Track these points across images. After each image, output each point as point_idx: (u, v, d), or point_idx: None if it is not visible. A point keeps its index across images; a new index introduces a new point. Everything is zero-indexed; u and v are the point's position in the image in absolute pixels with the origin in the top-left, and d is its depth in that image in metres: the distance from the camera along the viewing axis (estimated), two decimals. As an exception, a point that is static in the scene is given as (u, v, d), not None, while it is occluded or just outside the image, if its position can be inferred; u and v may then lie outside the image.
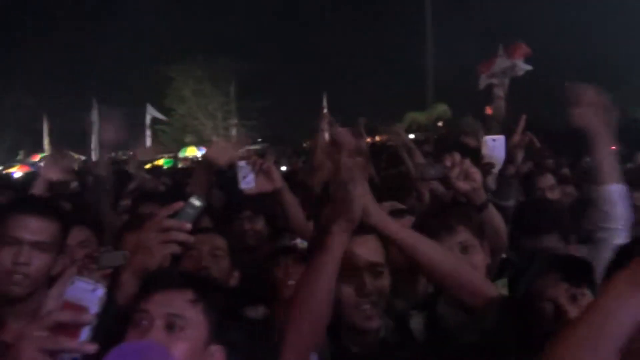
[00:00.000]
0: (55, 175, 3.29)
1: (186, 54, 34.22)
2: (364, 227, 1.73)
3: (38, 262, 1.98)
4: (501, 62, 8.44)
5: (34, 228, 1.99)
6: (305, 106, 31.85)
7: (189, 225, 1.63)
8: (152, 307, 1.44)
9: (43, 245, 2.00)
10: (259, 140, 26.28)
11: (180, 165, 19.59)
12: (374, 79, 36.01)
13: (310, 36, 39.12)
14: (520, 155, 3.19)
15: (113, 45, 38.24)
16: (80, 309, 1.20)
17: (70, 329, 1.18)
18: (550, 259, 1.84)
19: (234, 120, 34.89)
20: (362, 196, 1.65)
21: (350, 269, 1.81)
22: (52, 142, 31.18)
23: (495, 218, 2.27)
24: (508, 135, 3.03)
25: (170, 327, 1.43)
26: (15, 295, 1.98)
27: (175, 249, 1.64)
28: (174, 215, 1.62)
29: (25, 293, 1.98)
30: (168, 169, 15.68)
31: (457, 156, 2.12)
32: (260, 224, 3.24)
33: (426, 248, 1.76)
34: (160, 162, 21.14)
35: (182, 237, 1.63)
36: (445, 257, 1.80)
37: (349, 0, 38.01)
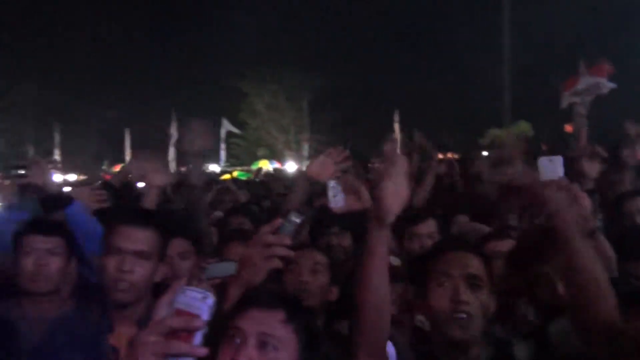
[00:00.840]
0: (162, 181, 3.35)
1: (260, 68, 35.12)
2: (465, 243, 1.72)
3: (140, 270, 2.08)
4: (585, 81, 8.19)
5: (135, 238, 2.09)
6: (377, 121, 31.89)
7: (289, 241, 1.67)
8: (246, 325, 1.46)
9: (144, 254, 2.09)
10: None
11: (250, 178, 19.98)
12: (450, 95, 35.49)
13: (385, 51, 39.16)
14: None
15: (191, 59, 39.81)
16: (192, 316, 1.23)
17: (182, 335, 1.22)
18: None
19: (306, 135, 35.36)
20: (394, 195, 1.67)
21: (445, 276, 1.83)
22: (133, 153, 32.66)
23: (605, 245, 2.17)
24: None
25: (262, 346, 1.45)
26: (121, 301, 2.08)
27: (277, 264, 1.68)
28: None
29: (130, 299, 2.08)
30: (244, 181, 16.02)
31: (565, 181, 2.03)
32: (347, 240, 3.24)
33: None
34: (235, 174, 21.68)
35: (284, 252, 1.67)
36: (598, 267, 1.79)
37: (425, 16, 37.76)
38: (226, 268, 1.90)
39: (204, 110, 34.80)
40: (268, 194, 7.19)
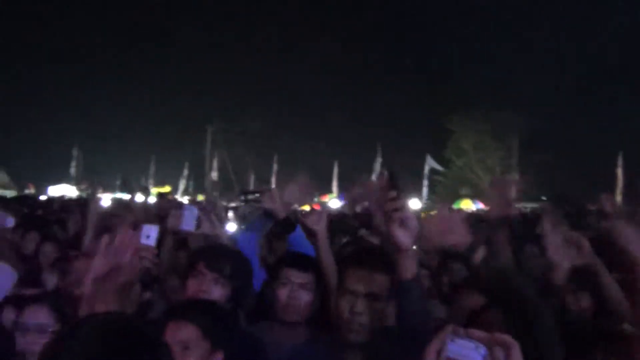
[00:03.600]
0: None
1: (467, 106, 34.62)
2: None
3: (372, 311, 2.15)
4: None
5: (367, 280, 2.17)
6: (595, 164, 29.21)
7: None
8: None
9: (376, 296, 2.16)
10: (543, 198, 24.77)
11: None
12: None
13: (604, 90, 35.98)
14: None
15: (399, 97, 40.81)
16: None
17: None
18: None
19: (514, 176, 33.71)
20: None
21: None
22: (339, 185, 34.32)
23: None
24: None
25: None
26: (353, 342, 2.17)
27: None
28: None
29: (362, 340, 2.16)
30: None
31: None
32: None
33: None
34: (435, 212, 21.46)
35: None
36: None
37: None
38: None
39: (409, 146, 35.47)
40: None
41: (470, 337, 1.19)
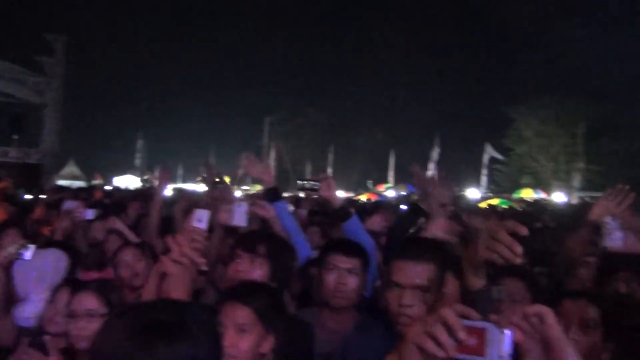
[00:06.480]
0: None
1: (527, 94, 33.51)
2: None
3: (420, 303, 2.12)
4: None
5: (412, 272, 2.14)
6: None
7: None
8: None
9: (423, 287, 2.13)
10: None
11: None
12: None
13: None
14: None
15: (458, 85, 40.00)
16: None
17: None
18: None
19: (580, 164, 32.43)
20: None
21: None
22: (396, 175, 34.08)
23: None
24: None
25: None
26: (403, 334, 2.14)
27: None
28: None
29: None
30: (503, 210, 15.41)
31: None
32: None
33: None
34: (495, 201, 20.98)
35: None
36: None
37: None
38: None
39: (468, 135, 34.74)
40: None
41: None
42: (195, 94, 47.76)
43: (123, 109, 45.74)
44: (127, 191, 14.57)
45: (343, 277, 2.42)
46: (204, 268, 1.84)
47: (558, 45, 36.86)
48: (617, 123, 31.76)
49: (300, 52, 45.13)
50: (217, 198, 3.53)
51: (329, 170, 33.76)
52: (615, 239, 2.50)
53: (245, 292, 2.00)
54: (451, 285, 2.55)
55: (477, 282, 1.87)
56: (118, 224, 4.39)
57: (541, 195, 27.00)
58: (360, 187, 35.35)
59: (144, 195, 8.48)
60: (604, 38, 35.92)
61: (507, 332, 1.05)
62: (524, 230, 1.62)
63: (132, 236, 4.20)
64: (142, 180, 27.76)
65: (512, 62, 38.84)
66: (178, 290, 1.77)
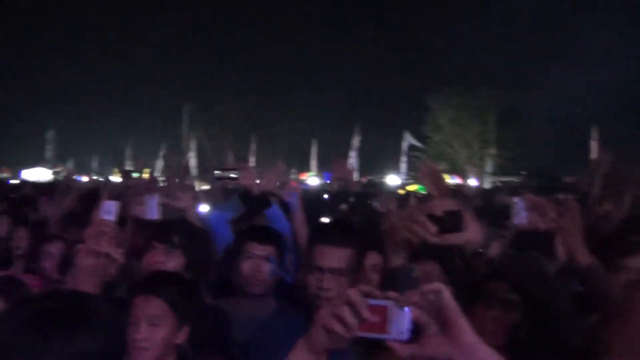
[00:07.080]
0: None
1: (445, 83, 34.73)
2: None
3: (339, 287, 2.16)
4: None
5: (331, 256, 2.18)
6: (568, 139, 29.60)
7: None
8: None
9: (340, 271, 2.17)
10: (522, 172, 25.07)
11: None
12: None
13: (576, 64, 36.35)
14: None
15: (376, 73, 40.73)
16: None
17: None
18: None
19: (492, 150, 34.03)
20: None
21: None
22: (318, 164, 34.33)
23: None
24: None
25: None
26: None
27: None
28: None
29: None
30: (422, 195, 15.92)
31: None
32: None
33: None
34: (414, 187, 21.60)
35: None
36: None
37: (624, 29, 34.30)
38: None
39: (387, 123, 35.58)
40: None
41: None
42: (110, 81, 45.93)
43: (32, 98, 43.24)
44: (37, 184, 13.78)
45: (258, 265, 2.42)
46: (120, 259, 1.81)
47: (470, 36, 38.34)
48: (523, 110, 33.62)
49: (219, 39, 44.38)
50: (130, 188, 3.44)
51: (251, 160, 33.52)
52: (521, 218, 2.65)
53: (156, 283, 1.97)
54: (374, 262, 2.64)
55: (396, 260, 1.97)
56: None
57: (457, 180, 28.10)
58: (284, 176, 35.06)
59: (55, 189, 8.06)
60: (514, 30, 37.71)
61: (407, 309, 1.09)
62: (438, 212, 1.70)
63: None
64: (54, 173, 26.37)
65: (430, 52, 40.04)
66: (87, 283, 1.74)
